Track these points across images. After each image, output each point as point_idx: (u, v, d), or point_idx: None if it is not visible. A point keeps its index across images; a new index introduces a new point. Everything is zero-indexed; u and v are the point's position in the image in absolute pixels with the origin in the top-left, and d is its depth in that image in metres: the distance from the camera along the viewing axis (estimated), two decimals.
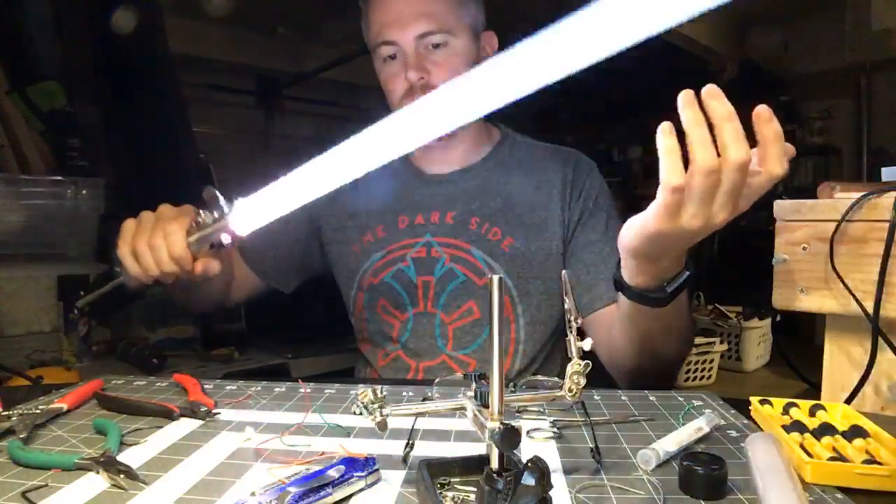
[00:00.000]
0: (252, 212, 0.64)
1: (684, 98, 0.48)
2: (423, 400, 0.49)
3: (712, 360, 2.22)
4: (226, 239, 0.67)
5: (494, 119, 1.05)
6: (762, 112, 0.48)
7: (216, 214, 0.67)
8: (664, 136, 0.49)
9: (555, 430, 0.56)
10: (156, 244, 0.70)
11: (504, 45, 0.99)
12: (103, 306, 0.77)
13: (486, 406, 0.43)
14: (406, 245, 0.95)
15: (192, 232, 0.70)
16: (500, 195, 0.95)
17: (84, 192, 1.52)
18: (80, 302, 0.75)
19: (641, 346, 0.74)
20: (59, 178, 1.51)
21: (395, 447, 0.52)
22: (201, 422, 0.59)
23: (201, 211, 0.69)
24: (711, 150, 0.48)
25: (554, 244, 0.92)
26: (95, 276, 0.78)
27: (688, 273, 0.62)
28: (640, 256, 0.61)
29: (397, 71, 0.90)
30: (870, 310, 0.64)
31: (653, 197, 0.54)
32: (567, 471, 0.48)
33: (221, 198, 0.66)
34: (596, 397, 0.66)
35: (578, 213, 0.93)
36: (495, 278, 0.39)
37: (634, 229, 0.58)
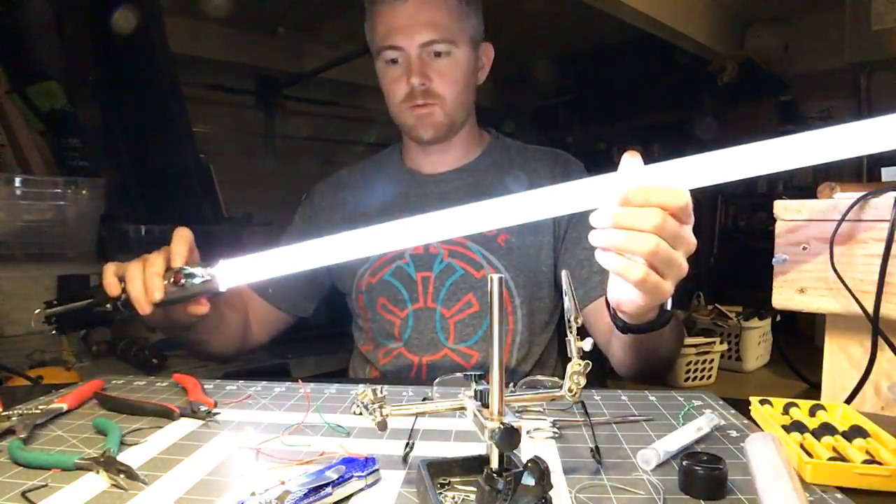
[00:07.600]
0: (231, 271, 0.66)
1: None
2: (423, 400, 0.49)
3: (712, 360, 2.21)
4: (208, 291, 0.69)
5: (485, 124, 1.07)
6: None
7: (194, 280, 0.68)
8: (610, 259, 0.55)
9: (555, 430, 0.56)
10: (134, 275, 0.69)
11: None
12: (73, 322, 0.74)
13: (486, 406, 0.43)
14: None
15: (167, 278, 0.69)
16: (493, 193, 0.97)
17: (84, 192, 1.52)
18: (48, 311, 0.72)
19: (640, 357, 0.76)
20: (59, 178, 1.52)
21: (395, 447, 0.52)
22: (201, 422, 0.60)
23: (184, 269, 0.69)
24: (644, 242, 0.52)
25: (546, 239, 0.96)
26: (84, 291, 0.75)
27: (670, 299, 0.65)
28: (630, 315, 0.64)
29: (399, 75, 0.93)
30: (870, 310, 0.64)
31: None
32: (567, 471, 0.48)
33: (198, 269, 0.68)
34: (596, 397, 0.66)
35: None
36: (495, 278, 0.39)
37: (625, 305, 0.62)
